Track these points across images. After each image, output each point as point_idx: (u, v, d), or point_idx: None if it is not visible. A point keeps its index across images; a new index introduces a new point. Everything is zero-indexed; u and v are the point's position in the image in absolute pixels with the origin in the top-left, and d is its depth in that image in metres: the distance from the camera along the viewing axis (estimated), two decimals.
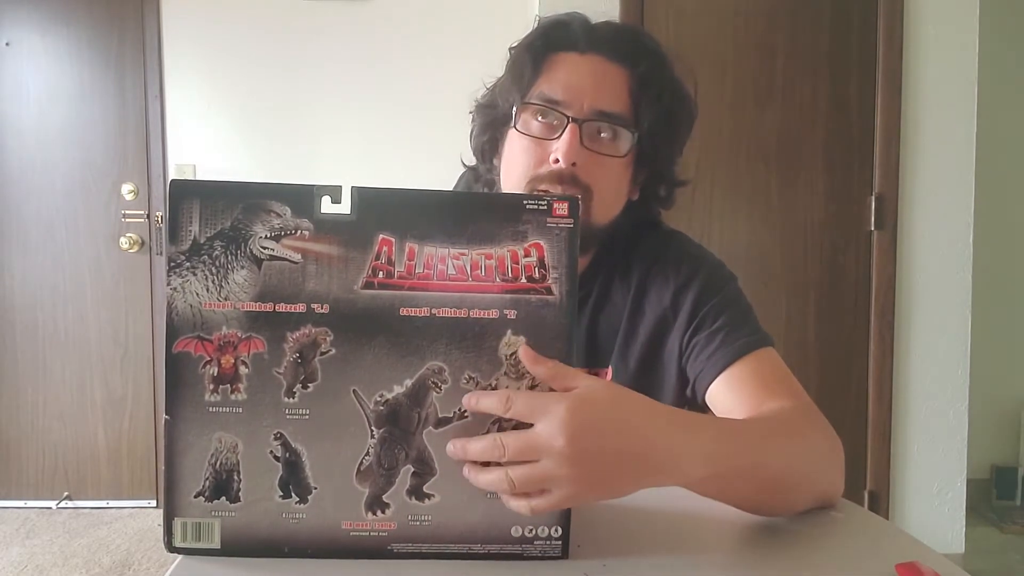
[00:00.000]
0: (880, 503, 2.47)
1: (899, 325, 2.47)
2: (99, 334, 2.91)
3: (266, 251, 0.53)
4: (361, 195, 0.54)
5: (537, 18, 0.91)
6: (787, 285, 2.45)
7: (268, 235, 0.53)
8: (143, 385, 2.92)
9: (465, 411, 0.54)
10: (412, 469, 0.55)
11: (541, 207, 0.55)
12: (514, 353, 0.54)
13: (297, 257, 0.54)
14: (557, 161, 0.82)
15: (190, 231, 0.53)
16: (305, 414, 0.54)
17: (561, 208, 0.55)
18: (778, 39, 2.42)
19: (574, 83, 0.84)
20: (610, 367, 0.91)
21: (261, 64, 2.85)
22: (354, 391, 0.54)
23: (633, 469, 0.54)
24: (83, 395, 2.92)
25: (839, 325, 2.47)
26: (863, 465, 2.48)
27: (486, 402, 0.53)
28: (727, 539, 0.65)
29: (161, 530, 0.55)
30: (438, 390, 0.54)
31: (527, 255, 0.55)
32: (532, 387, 0.55)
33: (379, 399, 0.54)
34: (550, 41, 0.87)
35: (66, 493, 2.90)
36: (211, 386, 0.54)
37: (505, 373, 0.55)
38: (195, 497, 0.54)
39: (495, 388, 0.54)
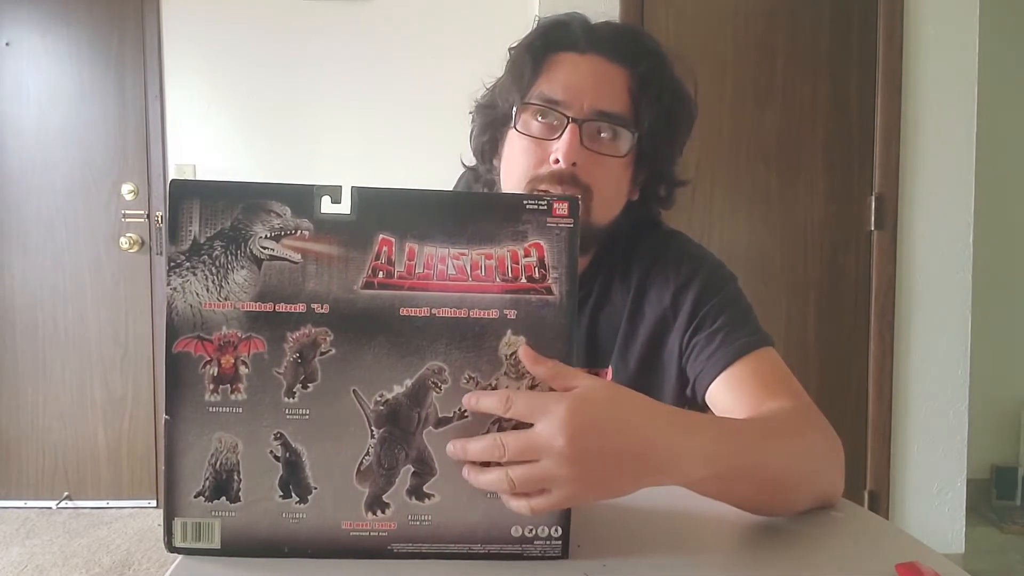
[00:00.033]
0: (880, 503, 2.47)
1: (899, 325, 2.47)
2: (99, 334, 2.91)
3: (266, 251, 0.53)
4: (361, 195, 0.54)
5: (537, 18, 0.91)
6: (787, 285, 2.45)
7: (268, 235, 0.53)
8: (143, 385, 2.92)
9: (465, 411, 0.54)
10: (412, 469, 0.55)
11: (541, 207, 0.55)
12: (514, 353, 0.54)
13: (297, 257, 0.54)
14: (557, 161, 0.82)
15: (190, 231, 0.53)
16: (305, 414, 0.54)
17: (561, 208, 0.55)
18: (778, 39, 2.42)
19: (574, 83, 0.84)
20: (610, 367, 0.91)
21: (261, 64, 2.85)
22: (354, 391, 0.54)
23: (633, 469, 0.54)
24: (83, 395, 2.92)
25: (839, 325, 2.47)
26: (863, 465, 2.48)
27: (486, 402, 0.53)
28: (727, 539, 0.65)
29: (161, 530, 0.55)
30: (438, 390, 0.54)
31: (527, 255, 0.55)
32: (532, 387, 0.55)
33: (379, 399, 0.54)
34: (550, 41, 0.87)
35: (66, 493, 2.90)
36: (211, 386, 0.54)
37: (505, 373, 0.54)
38: (195, 497, 0.54)
39: (495, 388, 0.54)
